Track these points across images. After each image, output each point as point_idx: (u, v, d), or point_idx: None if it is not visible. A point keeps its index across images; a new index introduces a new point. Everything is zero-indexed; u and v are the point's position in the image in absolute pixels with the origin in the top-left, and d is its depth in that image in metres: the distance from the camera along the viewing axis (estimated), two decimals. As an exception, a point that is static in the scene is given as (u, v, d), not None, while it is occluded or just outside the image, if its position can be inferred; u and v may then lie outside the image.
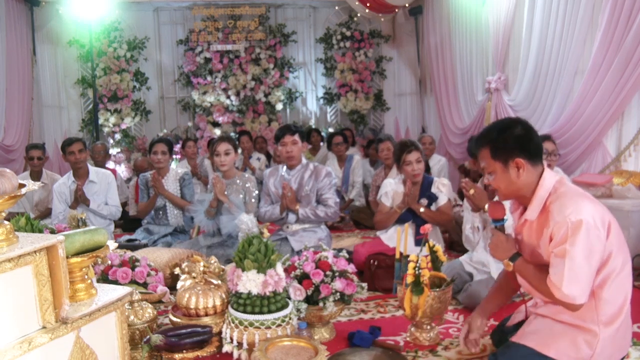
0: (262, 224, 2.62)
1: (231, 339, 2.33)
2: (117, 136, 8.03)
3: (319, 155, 7.12)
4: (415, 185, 3.71)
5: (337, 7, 8.39)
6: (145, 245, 4.10)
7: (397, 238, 2.97)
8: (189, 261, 2.74)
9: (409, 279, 2.52)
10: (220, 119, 8.19)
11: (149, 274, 2.94)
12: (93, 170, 4.61)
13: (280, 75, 8.27)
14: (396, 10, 7.72)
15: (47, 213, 4.86)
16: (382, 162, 5.41)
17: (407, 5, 7.57)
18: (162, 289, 2.87)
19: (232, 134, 7.84)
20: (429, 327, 2.66)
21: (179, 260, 3.44)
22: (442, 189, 3.70)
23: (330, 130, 8.21)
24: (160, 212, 4.58)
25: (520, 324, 2.18)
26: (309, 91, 8.67)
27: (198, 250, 3.83)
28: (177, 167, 5.51)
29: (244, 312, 2.34)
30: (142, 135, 8.19)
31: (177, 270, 2.79)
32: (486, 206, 3.05)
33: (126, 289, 1.84)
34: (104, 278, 2.84)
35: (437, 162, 5.75)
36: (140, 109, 8.08)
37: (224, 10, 8.07)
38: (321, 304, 2.62)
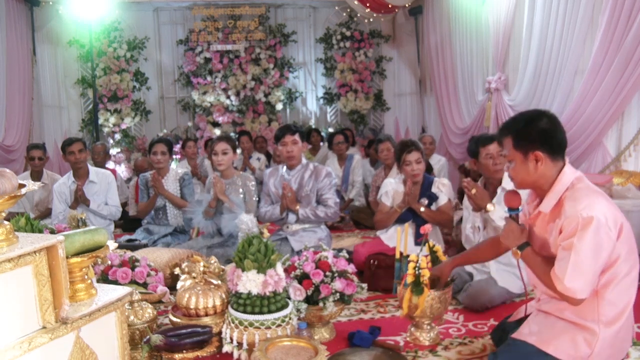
0: (262, 224, 2.62)
1: (231, 339, 2.33)
2: (117, 136, 8.03)
3: (319, 155, 7.12)
4: (415, 185, 3.71)
5: (337, 7, 8.39)
6: (145, 246, 4.10)
7: (397, 238, 2.97)
8: (189, 261, 2.74)
9: (409, 279, 2.52)
10: (220, 119, 8.19)
11: (149, 274, 2.94)
12: (93, 170, 4.61)
13: (280, 75, 8.27)
14: (396, 10, 7.72)
15: (47, 213, 4.86)
16: (382, 162, 5.42)
17: (407, 5, 7.57)
18: (162, 289, 2.87)
19: (232, 134, 7.84)
20: (429, 327, 2.66)
21: (179, 260, 3.44)
22: (443, 188, 3.70)
23: (330, 130, 8.21)
24: (160, 212, 4.58)
25: (521, 321, 2.19)
26: (309, 91, 8.67)
27: (198, 251, 3.83)
28: (177, 167, 5.50)
29: (244, 312, 2.34)
30: (142, 135, 8.20)
31: (177, 271, 2.79)
32: (489, 205, 3.06)
33: (126, 289, 1.84)
34: (104, 278, 2.84)
35: (437, 162, 5.75)
36: (140, 109, 8.08)
37: (224, 10, 8.07)
38: (321, 304, 2.62)
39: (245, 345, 2.30)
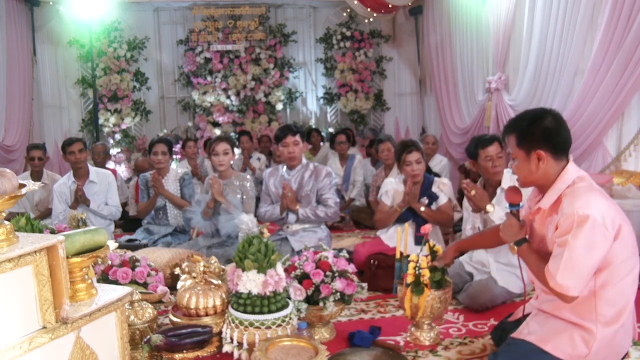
0: (262, 224, 2.62)
1: (231, 339, 2.33)
2: (117, 136, 8.02)
3: (319, 155, 7.13)
4: (415, 185, 3.71)
5: (337, 7, 8.39)
6: (146, 246, 4.10)
7: (397, 238, 2.97)
8: (189, 261, 2.74)
9: (409, 279, 2.52)
10: (220, 119, 8.19)
11: (149, 274, 2.94)
12: (93, 170, 4.62)
13: (280, 75, 8.26)
14: (396, 10, 7.71)
15: (47, 213, 4.86)
16: (382, 162, 5.42)
17: (407, 5, 7.56)
18: (162, 289, 2.87)
19: (232, 134, 7.84)
20: (429, 327, 2.66)
21: (179, 260, 3.44)
22: (443, 188, 3.71)
23: (331, 130, 8.22)
24: (161, 212, 4.58)
25: (520, 321, 2.19)
26: (309, 91, 8.67)
27: (198, 251, 3.83)
28: (177, 167, 5.50)
29: (244, 312, 2.34)
30: (142, 136, 8.19)
31: (177, 270, 2.79)
32: (488, 206, 3.06)
33: (126, 289, 1.84)
34: (104, 278, 2.84)
35: (439, 162, 5.74)
36: (140, 109, 8.08)
37: (224, 10, 8.07)
38: (321, 304, 2.62)
39: (245, 345, 2.30)
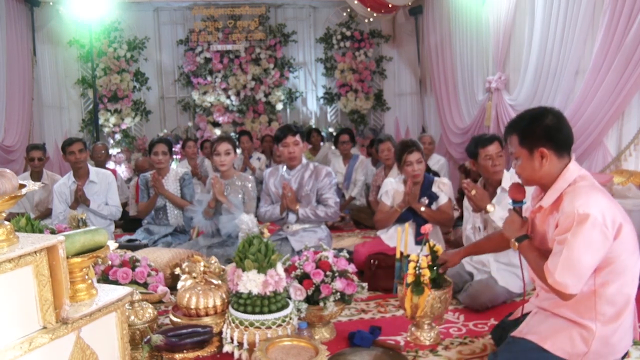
0: (262, 224, 2.62)
1: (232, 339, 2.33)
2: (117, 136, 8.02)
3: (319, 155, 7.13)
4: (415, 185, 3.71)
5: (337, 7, 8.38)
6: (146, 246, 4.10)
7: (398, 238, 2.97)
8: (190, 261, 2.74)
9: (410, 279, 2.52)
10: (220, 119, 8.19)
11: (149, 274, 2.94)
12: (93, 170, 4.62)
13: (280, 75, 8.26)
14: (396, 10, 7.71)
15: (47, 213, 4.86)
16: (382, 162, 5.42)
17: (407, 5, 7.56)
18: (162, 289, 2.88)
19: (232, 134, 7.84)
20: (429, 326, 2.66)
21: (180, 261, 3.44)
22: (443, 188, 3.70)
23: (331, 130, 8.22)
24: (161, 212, 4.58)
25: (520, 320, 2.19)
26: (309, 91, 8.67)
27: (198, 251, 3.83)
28: (177, 167, 5.51)
29: (245, 312, 2.34)
30: (142, 136, 8.19)
31: (177, 271, 2.79)
32: (489, 206, 3.06)
33: (126, 289, 1.84)
34: (105, 278, 2.84)
35: (437, 162, 5.75)
36: (140, 109, 8.08)
37: (224, 10, 8.07)
38: (321, 304, 2.62)
39: (245, 345, 2.30)
